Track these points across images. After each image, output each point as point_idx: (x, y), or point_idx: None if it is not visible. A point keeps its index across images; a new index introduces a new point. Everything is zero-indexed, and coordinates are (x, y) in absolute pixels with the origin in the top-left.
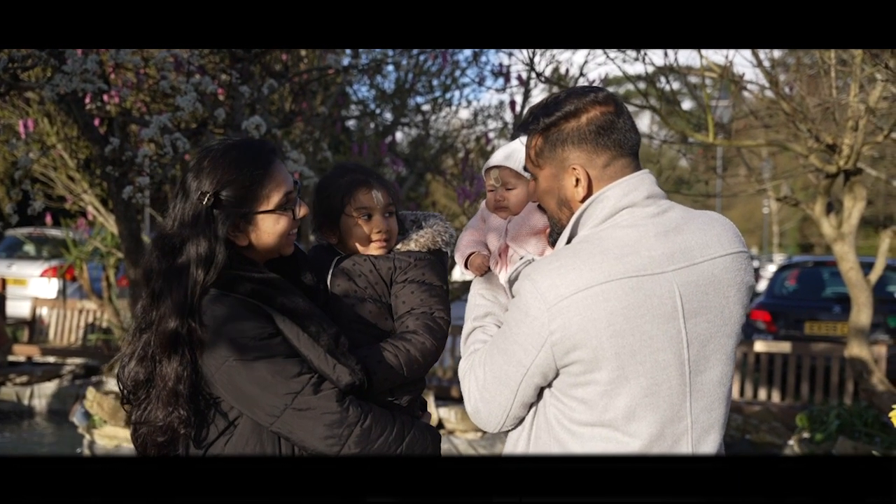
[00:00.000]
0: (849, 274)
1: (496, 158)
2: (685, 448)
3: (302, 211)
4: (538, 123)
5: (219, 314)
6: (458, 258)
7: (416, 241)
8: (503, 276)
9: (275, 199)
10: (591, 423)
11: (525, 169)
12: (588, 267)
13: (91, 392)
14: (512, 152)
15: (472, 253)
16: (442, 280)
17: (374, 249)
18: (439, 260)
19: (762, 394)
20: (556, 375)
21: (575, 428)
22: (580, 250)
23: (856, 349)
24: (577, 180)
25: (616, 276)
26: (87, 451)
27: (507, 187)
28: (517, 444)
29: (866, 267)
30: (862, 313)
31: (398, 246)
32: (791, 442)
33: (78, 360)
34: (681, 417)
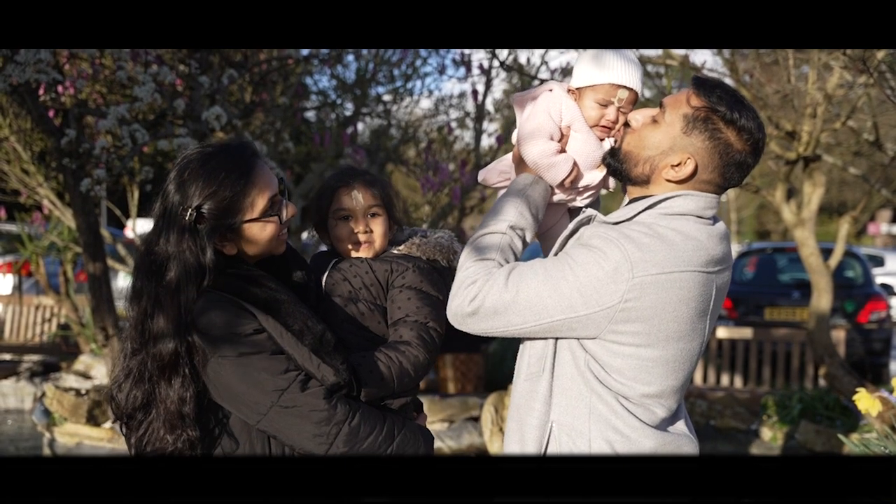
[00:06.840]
0: (809, 259)
1: (633, 78)
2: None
3: (289, 212)
4: (717, 101)
5: (202, 310)
6: (552, 162)
7: (418, 247)
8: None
9: (259, 205)
10: (622, 386)
11: (659, 105)
12: (673, 252)
13: (50, 389)
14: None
15: (575, 165)
16: (439, 291)
17: (357, 251)
18: (439, 272)
19: (725, 380)
20: (586, 337)
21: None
22: (664, 234)
23: (816, 334)
24: (680, 166)
25: (691, 266)
26: (47, 450)
27: (623, 111)
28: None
29: (824, 253)
30: (822, 298)
31: (401, 248)
32: (754, 426)
33: (36, 357)
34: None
